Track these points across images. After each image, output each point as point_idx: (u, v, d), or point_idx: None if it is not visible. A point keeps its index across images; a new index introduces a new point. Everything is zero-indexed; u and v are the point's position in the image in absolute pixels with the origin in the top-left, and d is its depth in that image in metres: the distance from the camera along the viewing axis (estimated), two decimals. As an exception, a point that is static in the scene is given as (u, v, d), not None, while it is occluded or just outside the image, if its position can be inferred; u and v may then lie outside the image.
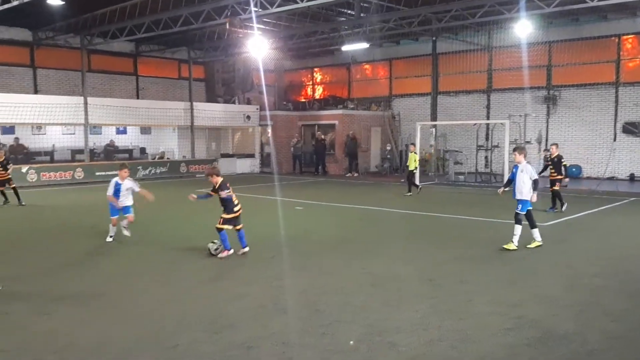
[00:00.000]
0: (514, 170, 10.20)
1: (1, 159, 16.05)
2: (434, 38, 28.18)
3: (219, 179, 9.78)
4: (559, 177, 14.80)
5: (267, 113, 29.49)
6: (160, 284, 8.01)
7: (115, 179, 10.88)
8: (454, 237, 11.53)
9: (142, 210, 11.93)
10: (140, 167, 25.47)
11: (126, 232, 11.01)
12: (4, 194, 16.29)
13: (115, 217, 10.90)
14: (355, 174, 27.86)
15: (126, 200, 10.86)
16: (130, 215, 10.92)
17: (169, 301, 7.20)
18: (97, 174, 23.74)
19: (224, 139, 31.85)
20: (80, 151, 25.47)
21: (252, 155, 30.62)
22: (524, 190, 9.95)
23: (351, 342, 5.67)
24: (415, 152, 19.68)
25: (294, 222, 13.42)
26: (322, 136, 29.20)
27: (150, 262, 9.52)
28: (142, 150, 29.01)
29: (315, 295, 7.32)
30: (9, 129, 24.48)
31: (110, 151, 27.20)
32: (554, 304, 6.95)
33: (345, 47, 27.78)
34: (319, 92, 35.16)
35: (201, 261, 9.36)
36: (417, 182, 19.96)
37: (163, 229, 12.66)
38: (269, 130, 29.89)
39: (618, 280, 8.17)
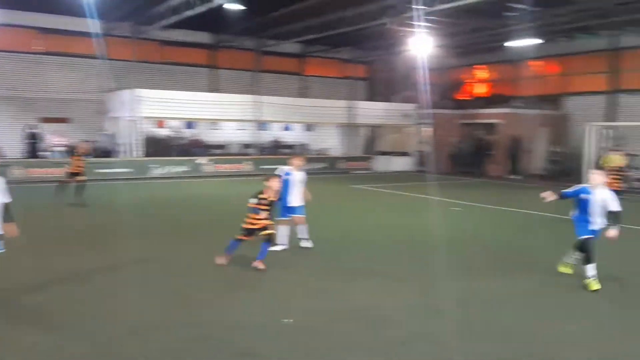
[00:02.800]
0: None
1: (84, 152, 16.00)
2: (615, 32, 25.72)
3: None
4: None
5: (427, 111, 29.22)
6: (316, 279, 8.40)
7: (286, 167, 9.59)
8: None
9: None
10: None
11: (306, 243, 9.64)
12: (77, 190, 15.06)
13: (284, 218, 9.45)
14: (518, 177, 26.50)
15: (294, 197, 9.38)
16: (299, 217, 9.47)
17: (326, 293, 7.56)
18: (262, 167, 25.43)
19: (381, 137, 32.18)
20: (250, 146, 27.48)
21: (407, 154, 30.59)
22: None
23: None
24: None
25: (451, 222, 13.20)
26: (483, 136, 28.19)
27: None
28: (304, 147, 30.43)
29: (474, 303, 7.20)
30: (191, 124, 27.25)
31: (276, 146, 28.94)
32: None
33: (513, 43, 26.50)
34: (482, 90, 33.92)
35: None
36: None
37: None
38: (428, 128, 29.59)
39: None
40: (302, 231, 9.68)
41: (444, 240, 10.84)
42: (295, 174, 9.44)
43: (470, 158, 29.02)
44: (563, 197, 8.07)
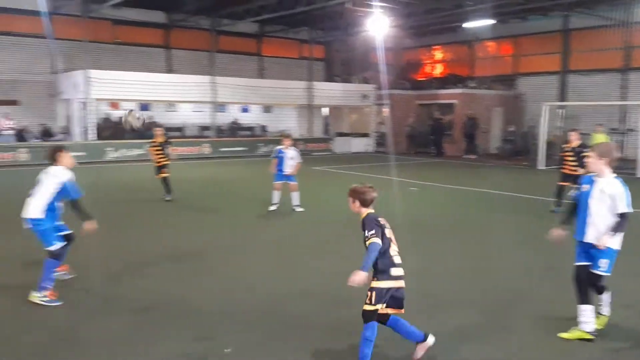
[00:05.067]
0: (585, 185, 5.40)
1: (161, 140, 13.28)
2: (566, 13, 26.35)
3: None
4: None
5: (384, 92, 29.39)
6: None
7: (279, 146, 11.91)
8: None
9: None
10: (261, 144, 26.64)
11: (299, 209, 11.77)
12: (167, 184, 13.21)
13: (278, 182, 11.76)
14: (473, 156, 27.05)
15: (288, 168, 11.62)
16: (293, 184, 11.71)
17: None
18: (222, 149, 25.14)
19: (339, 118, 32.24)
20: (207, 128, 27.09)
21: (367, 135, 30.78)
22: (602, 226, 5.20)
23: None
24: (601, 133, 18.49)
25: (408, 202, 13.38)
26: (440, 116, 28.58)
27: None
28: (264, 128, 30.23)
29: (428, 278, 7.34)
30: (145, 106, 26.64)
31: (234, 128, 28.63)
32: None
33: (468, 24, 26.83)
34: (438, 71, 34.32)
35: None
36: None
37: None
38: (385, 109, 29.80)
39: None
40: (295, 198, 11.84)
41: (400, 219, 10.99)
42: (287, 152, 11.68)
43: (427, 138, 29.42)
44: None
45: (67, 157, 6.49)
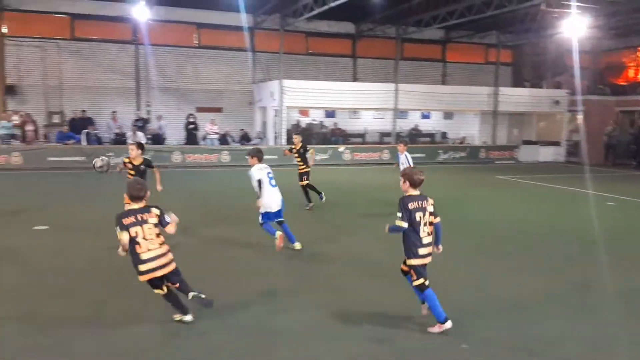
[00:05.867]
0: None
1: (298, 147, 12.80)
2: None
3: None
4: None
5: (579, 98, 27.18)
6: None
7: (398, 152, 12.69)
8: None
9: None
10: (440, 151, 26.41)
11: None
12: (307, 193, 12.82)
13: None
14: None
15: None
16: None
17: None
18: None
19: (527, 125, 30.55)
20: (388, 134, 27.56)
21: (557, 143, 28.75)
22: None
23: None
24: None
25: (605, 218, 12.29)
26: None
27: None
28: (444, 135, 29.85)
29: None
30: (331, 113, 27.97)
31: (414, 135, 28.70)
32: None
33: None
34: (644, 75, 30.76)
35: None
36: None
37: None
38: (579, 116, 27.54)
39: None
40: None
41: (597, 236, 10.17)
42: (401, 157, 12.36)
43: (629, 148, 26.55)
44: None
45: None
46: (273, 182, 8.63)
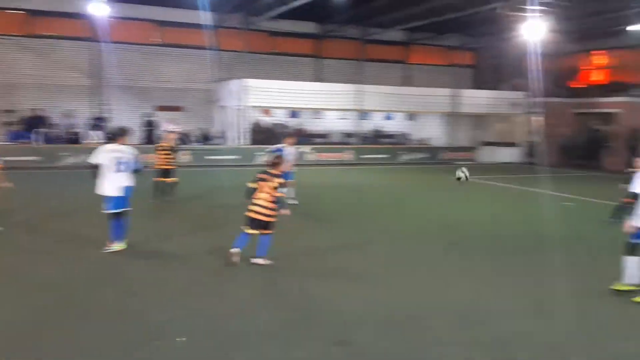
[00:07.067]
0: None
1: (170, 145, 13.67)
2: None
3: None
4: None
5: (537, 100, 27.79)
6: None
7: (279, 145, 13.09)
8: None
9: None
10: (402, 152, 26.65)
11: (293, 202, 12.31)
12: (161, 188, 13.26)
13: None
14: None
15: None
16: (291, 181, 12.38)
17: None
18: (364, 156, 25.50)
19: (487, 127, 31.07)
20: (351, 135, 27.62)
21: (514, 145, 29.36)
22: None
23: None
24: None
25: (561, 218, 12.54)
26: (601, 127, 26.36)
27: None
28: (405, 136, 30.10)
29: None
30: (294, 113, 27.87)
31: (377, 136, 28.86)
32: None
33: (635, 27, 24.46)
34: (600, 78, 31.64)
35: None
36: None
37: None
38: (538, 117, 28.15)
39: None
40: (290, 192, 12.71)
41: (554, 237, 10.36)
42: (287, 150, 12.63)
43: (584, 150, 27.27)
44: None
45: None
46: (122, 167, 8.31)
